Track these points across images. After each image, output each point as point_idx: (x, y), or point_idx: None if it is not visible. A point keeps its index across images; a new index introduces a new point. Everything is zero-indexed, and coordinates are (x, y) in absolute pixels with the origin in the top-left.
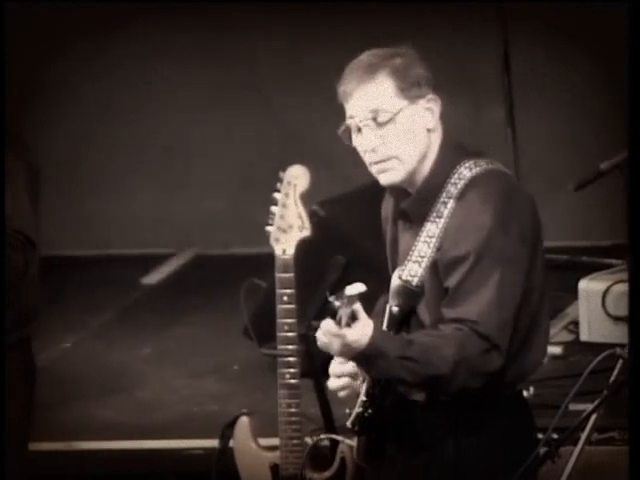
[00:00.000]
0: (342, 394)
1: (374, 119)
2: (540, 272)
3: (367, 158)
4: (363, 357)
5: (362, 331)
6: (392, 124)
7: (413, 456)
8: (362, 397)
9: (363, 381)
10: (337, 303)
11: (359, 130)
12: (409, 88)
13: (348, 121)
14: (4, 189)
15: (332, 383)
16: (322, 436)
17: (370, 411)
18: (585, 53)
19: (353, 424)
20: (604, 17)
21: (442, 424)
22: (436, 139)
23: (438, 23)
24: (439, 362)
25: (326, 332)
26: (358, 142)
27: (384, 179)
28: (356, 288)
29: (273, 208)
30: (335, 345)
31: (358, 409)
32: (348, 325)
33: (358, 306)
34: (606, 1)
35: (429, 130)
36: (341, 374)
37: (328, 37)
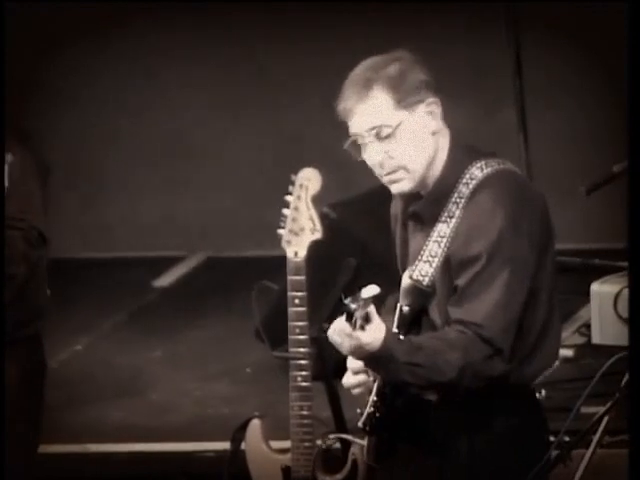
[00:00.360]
0: (356, 391)
1: (377, 135)
2: (550, 272)
3: (376, 171)
4: (373, 359)
5: (375, 334)
6: (394, 137)
7: (426, 457)
8: (373, 397)
9: (374, 381)
10: (353, 305)
11: (364, 146)
12: (406, 97)
13: (352, 138)
14: (4, 189)
15: (347, 380)
16: (332, 436)
17: (382, 410)
18: (597, 55)
19: (365, 424)
20: (604, 17)
21: (455, 424)
22: (444, 140)
23: (449, 25)
24: (445, 367)
25: (339, 332)
26: (365, 157)
27: (395, 189)
28: (371, 290)
29: (285, 211)
30: (347, 345)
31: (369, 409)
32: (362, 327)
33: (372, 308)
34: (606, 1)
35: (434, 133)
36: (359, 369)
37: (342, 39)
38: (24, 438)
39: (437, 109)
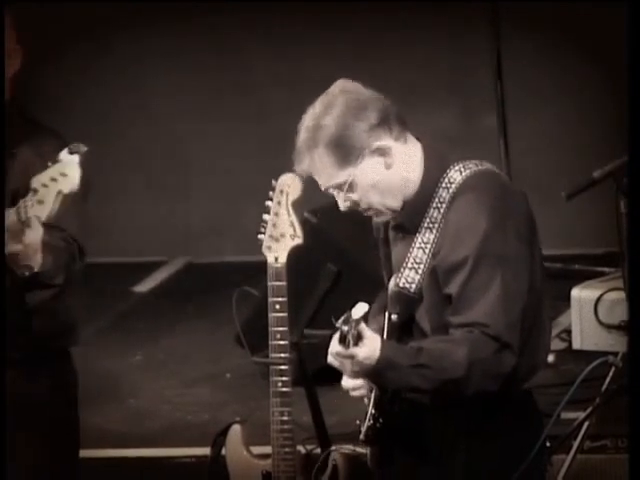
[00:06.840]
0: (356, 393)
1: (336, 189)
2: (538, 270)
3: None
4: (375, 371)
5: (371, 347)
6: (351, 189)
7: (424, 463)
8: (371, 410)
9: (371, 391)
10: (345, 327)
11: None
12: (348, 156)
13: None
14: (4, 189)
15: (346, 383)
16: (333, 448)
17: (381, 421)
18: (579, 59)
19: (366, 437)
20: (604, 18)
21: (453, 429)
22: (413, 150)
23: (431, 31)
24: (452, 366)
25: (337, 355)
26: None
27: (377, 220)
28: (361, 310)
29: (265, 216)
30: (348, 366)
31: (369, 422)
32: (356, 344)
33: (362, 325)
34: (606, 1)
35: (389, 167)
36: (355, 386)
37: (326, 45)
38: (64, 449)
39: (386, 145)
